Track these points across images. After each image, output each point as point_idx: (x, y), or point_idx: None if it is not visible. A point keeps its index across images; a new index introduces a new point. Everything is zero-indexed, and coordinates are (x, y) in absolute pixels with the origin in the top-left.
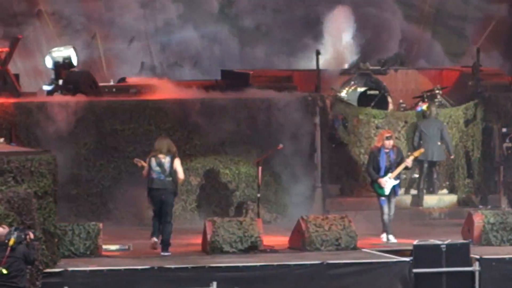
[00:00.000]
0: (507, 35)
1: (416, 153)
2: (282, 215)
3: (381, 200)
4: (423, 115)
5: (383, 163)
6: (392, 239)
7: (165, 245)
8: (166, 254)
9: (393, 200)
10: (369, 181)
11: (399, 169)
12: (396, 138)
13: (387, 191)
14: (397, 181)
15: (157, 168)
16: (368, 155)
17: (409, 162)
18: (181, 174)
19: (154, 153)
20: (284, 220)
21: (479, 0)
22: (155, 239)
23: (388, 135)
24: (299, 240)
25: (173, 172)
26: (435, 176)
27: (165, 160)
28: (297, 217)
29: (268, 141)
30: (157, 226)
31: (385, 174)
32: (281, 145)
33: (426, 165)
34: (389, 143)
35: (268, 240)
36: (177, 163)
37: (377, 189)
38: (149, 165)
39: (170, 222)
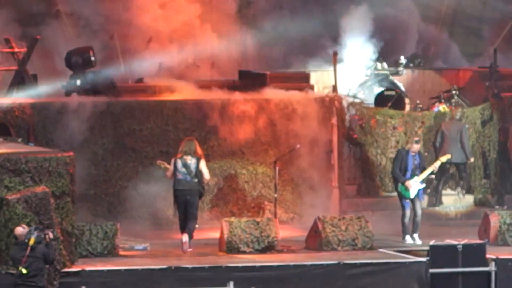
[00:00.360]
0: None
1: (443, 158)
2: (299, 215)
3: (405, 202)
4: (447, 116)
5: (411, 165)
6: (417, 239)
7: (189, 239)
8: (187, 249)
9: (419, 202)
10: (392, 182)
11: (426, 172)
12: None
13: (412, 194)
14: (423, 185)
15: (183, 170)
16: (394, 156)
17: (436, 166)
18: (206, 175)
19: (180, 155)
20: (301, 220)
21: (497, 1)
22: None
23: (417, 139)
24: (316, 240)
25: (198, 173)
26: (460, 176)
27: (191, 161)
28: (313, 218)
29: (285, 141)
30: (184, 226)
31: (411, 177)
32: (298, 146)
33: (446, 166)
34: (417, 146)
35: (285, 240)
36: (203, 164)
37: (403, 191)
38: (175, 167)
39: (195, 220)
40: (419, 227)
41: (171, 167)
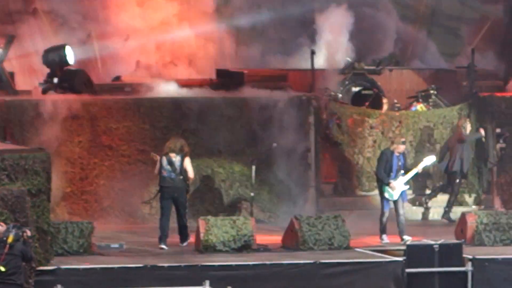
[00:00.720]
0: (502, 36)
1: (428, 160)
2: (276, 214)
3: (386, 202)
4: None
5: (395, 166)
6: (407, 238)
7: (184, 236)
8: (185, 244)
9: (402, 203)
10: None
11: (411, 174)
12: (390, 138)
13: (396, 195)
14: (407, 187)
15: (168, 167)
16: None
17: (420, 168)
18: (191, 173)
19: (165, 152)
20: (277, 219)
21: (475, 1)
22: (163, 246)
23: (403, 140)
24: (292, 240)
25: (183, 171)
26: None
27: (176, 159)
28: (290, 216)
29: (262, 140)
30: (165, 230)
31: (395, 178)
32: (275, 145)
33: (458, 179)
34: (403, 147)
35: (262, 239)
36: (187, 162)
37: (387, 192)
38: (161, 164)
39: (185, 217)
40: (404, 227)
41: (157, 164)
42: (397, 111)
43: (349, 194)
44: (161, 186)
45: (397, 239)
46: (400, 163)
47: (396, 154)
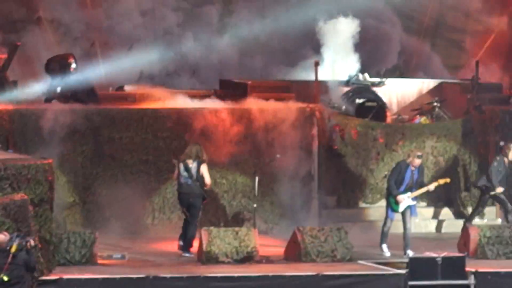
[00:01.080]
0: (506, 48)
1: (441, 181)
2: (279, 226)
3: (390, 212)
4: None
5: (408, 180)
6: (410, 253)
7: (187, 245)
8: (186, 254)
9: (410, 216)
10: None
11: (420, 191)
12: (393, 150)
13: (401, 208)
14: (414, 202)
15: (185, 173)
16: (392, 168)
17: (431, 187)
18: (207, 179)
19: (183, 158)
20: (280, 230)
21: (479, 13)
22: (180, 242)
23: (419, 154)
24: (295, 251)
25: (200, 177)
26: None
27: (193, 165)
28: (293, 228)
29: (265, 151)
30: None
31: (405, 191)
32: (278, 156)
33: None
34: (419, 161)
35: (264, 250)
36: (204, 168)
37: (392, 204)
38: (179, 170)
39: (195, 224)
40: (409, 241)
41: (176, 170)
42: (401, 123)
43: (352, 206)
44: (178, 192)
45: (400, 252)
46: (414, 177)
47: (412, 168)
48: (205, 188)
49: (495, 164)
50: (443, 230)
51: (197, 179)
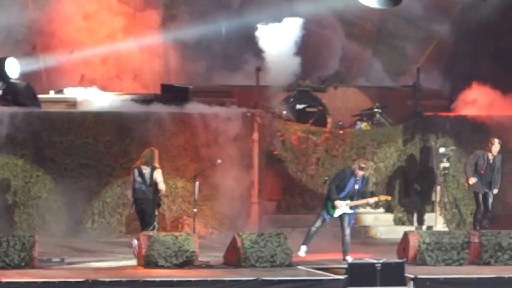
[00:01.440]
0: (447, 56)
1: (383, 197)
2: (218, 231)
3: (324, 214)
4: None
5: (349, 188)
6: (349, 259)
7: None
8: None
9: (348, 222)
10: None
11: (359, 202)
12: (334, 156)
13: (336, 213)
14: (351, 211)
15: (139, 179)
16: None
17: (371, 201)
18: (160, 185)
19: (138, 164)
20: (220, 235)
21: (421, 20)
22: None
23: (362, 165)
24: (235, 256)
25: (153, 183)
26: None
27: (146, 170)
28: (233, 233)
29: (206, 156)
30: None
31: (345, 198)
32: (219, 161)
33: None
34: (361, 173)
35: (204, 255)
36: (157, 174)
37: (329, 207)
38: (133, 176)
39: (148, 227)
40: (349, 247)
41: (131, 176)
42: (341, 129)
43: (292, 212)
44: (133, 198)
45: (340, 257)
46: (356, 187)
47: (356, 178)
48: (159, 194)
49: (471, 157)
50: (383, 236)
51: (150, 185)
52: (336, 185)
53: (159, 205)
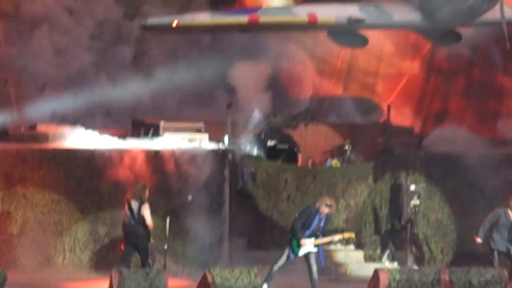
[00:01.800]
0: (418, 92)
1: (347, 235)
2: (189, 267)
3: (289, 253)
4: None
5: (314, 225)
6: None
7: None
8: None
9: (315, 259)
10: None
11: (324, 240)
12: (305, 193)
13: (301, 252)
14: (315, 250)
15: (128, 213)
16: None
17: (335, 239)
18: (147, 220)
19: (128, 198)
20: (191, 272)
21: (392, 57)
22: None
23: (329, 203)
24: None
25: (142, 218)
26: None
27: (134, 205)
28: (203, 270)
29: (177, 192)
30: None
31: (310, 236)
32: (190, 197)
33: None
34: (327, 210)
35: None
36: (144, 208)
37: (294, 246)
38: (124, 210)
39: (145, 265)
40: (317, 284)
41: (123, 210)
42: (312, 166)
43: (263, 248)
44: (123, 231)
45: None
46: (321, 224)
47: (321, 215)
48: (148, 230)
49: (491, 216)
50: (353, 273)
51: (139, 220)
52: (301, 224)
53: (148, 238)
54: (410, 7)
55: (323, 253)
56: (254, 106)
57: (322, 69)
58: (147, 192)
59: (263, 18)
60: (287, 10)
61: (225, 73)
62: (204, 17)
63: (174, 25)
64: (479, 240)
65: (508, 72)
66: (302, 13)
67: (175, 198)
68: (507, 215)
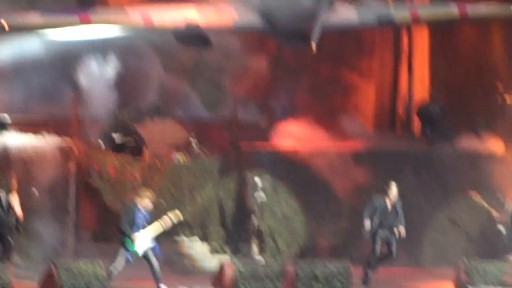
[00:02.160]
0: (264, 88)
1: (171, 214)
2: (34, 259)
3: (128, 256)
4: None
5: (140, 219)
6: (163, 287)
7: None
8: None
9: (152, 256)
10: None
11: (154, 228)
12: (151, 187)
13: (140, 250)
14: (152, 244)
15: None
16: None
17: (162, 223)
18: (16, 210)
19: None
20: (35, 264)
21: (239, 53)
22: None
23: (147, 193)
24: (51, 286)
25: (10, 207)
26: None
27: (2, 195)
28: (49, 262)
29: (23, 185)
30: None
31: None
32: (34, 190)
33: None
34: (147, 202)
35: (20, 285)
36: (12, 198)
37: (129, 245)
38: None
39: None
40: (159, 275)
41: None
42: (158, 160)
43: (109, 241)
44: None
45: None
46: (146, 218)
47: (142, 208)
48: (18, 219)
49: (369, 203)
50: (198, 265)
51: (8, 210)
52: (128, 223)
53: (18, 230)
54: (251, 8)
55: (157, 244)
56: (100, 101)
57: (169, 65)
58: (14, 182)
59: (96, 18)
60: (122, 11)
61: (72, 67)
62: (34, 18)
63: (6, 28)
64: (367, 227)
65: (354, 68)
66: (137, 16)
67: (20, 192)
68: (382, 202)
